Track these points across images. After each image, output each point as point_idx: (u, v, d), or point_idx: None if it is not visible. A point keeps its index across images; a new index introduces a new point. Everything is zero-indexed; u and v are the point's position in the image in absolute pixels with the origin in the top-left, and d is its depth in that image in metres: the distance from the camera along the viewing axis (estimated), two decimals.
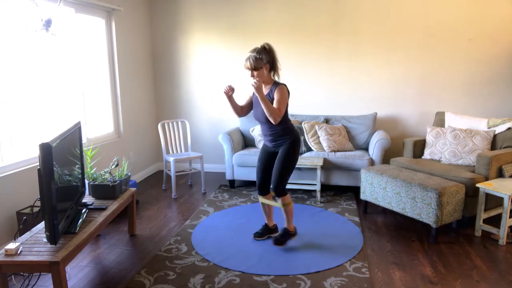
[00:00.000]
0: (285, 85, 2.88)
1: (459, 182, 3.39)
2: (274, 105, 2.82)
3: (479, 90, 4.65)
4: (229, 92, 2.91)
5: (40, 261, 2.14)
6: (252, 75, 2.83)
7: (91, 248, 3.17)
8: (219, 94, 5.31)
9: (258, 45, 2.88)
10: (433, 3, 4.56)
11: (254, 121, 5.00)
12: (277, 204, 3.08)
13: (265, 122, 2.93)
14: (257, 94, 2.74)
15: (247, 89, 5.21)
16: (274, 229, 3.34)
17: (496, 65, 4.55)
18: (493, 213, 3.44)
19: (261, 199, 3.20)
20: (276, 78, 2.97)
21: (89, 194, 3.16)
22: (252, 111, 3.09)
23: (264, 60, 2.82)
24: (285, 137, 2.93)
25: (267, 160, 3.10)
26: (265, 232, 3.30)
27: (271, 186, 3.04)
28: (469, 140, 3.87)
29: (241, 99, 5.02)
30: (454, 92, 4.71)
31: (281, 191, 3.01)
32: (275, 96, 2.84)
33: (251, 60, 2.79)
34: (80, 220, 2.64)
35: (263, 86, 2.93)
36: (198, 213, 3.90)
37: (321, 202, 4.19)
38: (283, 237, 3.14)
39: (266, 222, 3.33)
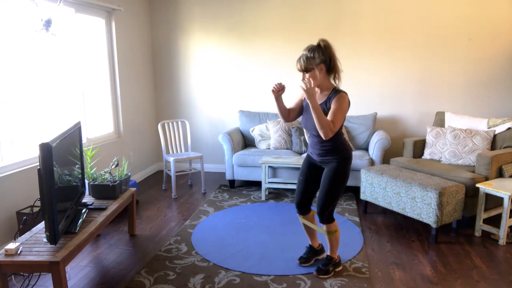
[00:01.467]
0: (346, 93, 2.42)
1: (459, 182, 3.39)
2: (329, 116, 2.37)
3: (479, 90, 4.65)
4: (279, 91, 2.44)
5: (40, 261, 2.14)
6: (303, 78, 2.43)
7: (91, 248, 3.17)
8: (219, 94, 5.31)
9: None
10: (433, 3, 4.56)
11: (254, 121, 4.99)
12: (321, 230, 2.69)
13: (317, 134, 2.48)
14: (308, 101, 2.30)
15: (246, 92, 5.21)
16: (321, 249, 2.92)
17: (496, 65, 4.55)
18: (493, 213, 3.44)
19: (301, 220, 2.78)
20: (337, 83, 2.49)
21: (89, 194, 3.16)
22: (301, 116, 2.63)
23: (317, 60, 2.36)
24: (336, 155, 2.49)
25: (310, 174, 2.66)
26: (311, 255, 2.87)
27: (316, 211, 2.63)
28: (469, 140, 3.87)
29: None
30: (454, 92, 4.71)
31: (327, 217, 2.58)
32: (332, 105, 2.37)
33: (301, 60, 2.39)
34: (80, 220, 2.64)
35: (318, 92, 2.50)
36: (198, 213, 3.90)
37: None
38: (328, 267, 2.70)
39: (310, 243, 2.89)
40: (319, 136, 2.46)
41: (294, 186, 4.26)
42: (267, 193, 4.42)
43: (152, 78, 5.43)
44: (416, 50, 4.70)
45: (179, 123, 4.86)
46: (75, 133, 2.82)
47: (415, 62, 4.73)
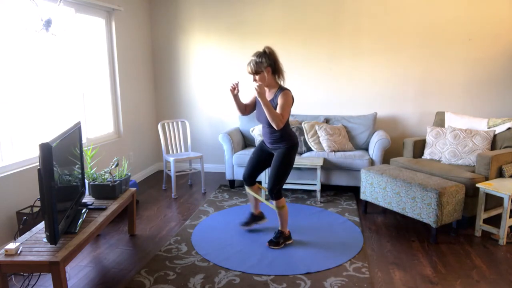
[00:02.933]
0: (289, 90, 2.91)
1: (459, 182, 3.39)
2: (278, 110, 2.83)
3: (479, 90, 4.65)
4: (235, 91, 2.94)
5: (40, 261, 2.14)
6: (254, 79, 2.88)
7: (91, 248, 3.17)
8: (219, 94, 5.31)
9: (259, 49, 2.92)
10: (433, 3, 4.56)
11: (254, 121, 5.00)
12: (272, 206, 3.12)
13: (267, 126, 2.98)
14: (259, 99, 2.75)
15: (248, 89, 5.21)
16: (261, 216, 3.44)
17: (496, 65, 4.55)
18: (493, 213, 3.44)
19: (247, 189, 3.32)
20: (282, 82, 2.97)
21: (89, 194, 3.16)
22: (255, 111, 3.13)
23: (265, 64, 2.84)
24: (283, 142, 2.98)
25: (261, 155, 3.20)
26: (251, 220, 3.41)
27: (267, 189, 3.06)
28: (469, 140, 3.87)
29: (246, 98, 5.03)
30: (454, 92, 4.71)
31: (276, 194, 3.02)
32: (279, 101, 2.84)
33: (252, 64, 2.85)
34: (80, 220, 2.64)
35: (267, 90, 2.98)
36: (198, 213, 3.90)
37: (321, 202, 4.19)
38: (278, 239, 3.13)
39: (252, 211, 3.42)
40: (270, 127, 2.95)
41: (294, 186, 4.26)
42: (267, 193, 4.41)
43: (152, 78, 5.43)
44: (416, 50, 4.70)
45: (179, 123, 4.86)
46: (75, 133, 2.82)
47: (415, 62, 4.73)
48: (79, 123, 2.96)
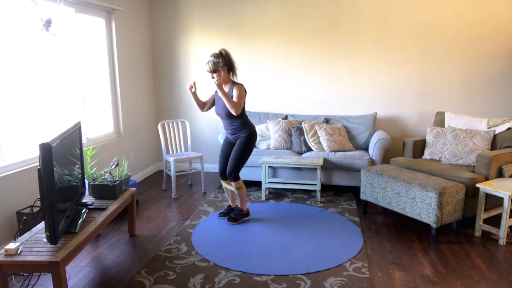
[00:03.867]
0: (242, 84, 3.36)
1: (459, 182, 3.39)
2: (234, 99, 3.28)
3: (479, 90, 4.65)
4: (193, 89, 3.34)
5: (40, 261, 2.14)
6: (213, 77, 3.29)
7: (91, 248, 3.17)
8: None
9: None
10: (433, 3, 4.56)
11: (254, 120, 5.00)
12: (232, 187, 3.55)
13: (226, 117, 3.38)
14: (218, 90, 3.19)
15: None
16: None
17: (496, 65, 4.55)
18: (493, 213, 3.44)
19: (223, 184, 3.67)
20: (235, 79, 3.43)
21: (89, 194, 3.16)
22: (214, 107, 3.53)
23: (221, 64, 3.27)
24: (243, 130, 3.40)
25: (228, 150, 3.57)
26: (229, 212, 3.74)
27: (227, 172, 3.48)
28: (469, 140, 3.87)
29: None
30: (454, 92, 4.71)
31: (234, 176, 3.45)
32: (234, 93, 3.31)
33: (210, 64, 3.27)
34: (80, 220, 2.64)
35: (224, 85, 3.40)
36: (198, 213, 3.90)
37: (321, 202, 4.19)
38: (237, 216, 3.60)
39: (230, 203, 3.79)
40: (228, 118, 3.37)
41: (294, 186, 4.26)
42: (267, 193, 4.42)
43: (152, 78, 5.43)
44: (416, 50, 4.70)
45: (179, 123, 4.86)
46: (75, 133, 2.82)
47: (415, 62, 4.74)
48: (79, 123, 2.96)
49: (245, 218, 3.68)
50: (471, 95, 4.67)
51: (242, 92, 3.33)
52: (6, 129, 3.10)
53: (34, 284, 2.63)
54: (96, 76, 4.30)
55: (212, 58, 3.29)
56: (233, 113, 3.25)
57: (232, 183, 3.51)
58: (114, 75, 4.58)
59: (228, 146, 3.58)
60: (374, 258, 2.98)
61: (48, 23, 3.25)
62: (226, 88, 3.40)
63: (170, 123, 4.79)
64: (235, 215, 3.62)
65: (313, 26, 4.89)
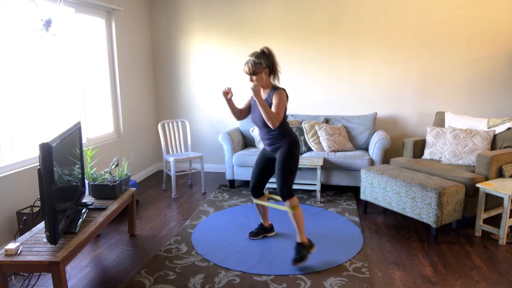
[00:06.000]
0: (284, 89, 2.85)
1: (459, 182, 3.39)
2: (272, 109, 2.76)
3: (479, 90, 4.65)
4: (228, 95, 2.89)
5: (40, 261, 2.14)
6: (251, 80, 2.79)
7: (91, 248, 3.17)
8: (219, 94, 5.31)
9: (258, 49, 2.85)
10: (433, 3, 4.56)
11: None
12: (284, 208, 2.94)
13: (263, 126, 2.89)
14: (255, 98, 2.68)
15: (247, 90, 5.21)
16: (270, 228, 3.35)
17: (496, 65, 4.55)
18: (493, 213, 3.44)
19: (255, 201, 3.20)
20: (276, 82, 2.94)
21: (89, 194, 3.16)
22: (250, 115, 3.05)
23: (263, 65, 2.77)
24: (283, 140, 2.87)
25: (263, 163, 3.08)
26: (261, 231, 3.31)
27: (277, 190, 2.92)
28: (469, 140, 3.87)
29: (241, 102, 5.04)
30: (454, 92, 4.71)
31: (286, 194, 2.86)
32: (274, 100, 2.78)
33: (249, 64, 2.76)
34: (80, 220, 2.64)
35: (262, 90, 2.90)
36: (198, 213, 3.90)
37: (321, 202, 4.19)
38: (300, 253, 2.85)
39: (262, 222, 3.34)
40: (266, 127, 2.87)
41: (294, 186, 4.25)
42: (267, 193, 4.41)
43: (152, 78, 5.43)
44: (416, 50, 4.70)
45: (179, 123, 4.86)
46: (75, 133, 2.82)
47: (415, 62, 4.73)
48: (79, 123, 2.96)
49: (312, 251, 2.91)
50: (471, 95, 4.67)
51: (284, 99, 2.78)
52: (6, 129, 3.10)
53: (34, 284, 2.63)
54: (96, 76, 4.30)
55: (252, 58, 2.78)
56: (270, 125, 2.72)
57: (285, 203, 2.87)
58: (114, 75, 4.58)
59: (263, 159, 3.07)
60: (374, 258, 2.98)
61: (48, 23, 3.25)
62: (264, 94, 2.89)
63: (170, 123, 4.79)
64: (299, 253, 2.85)
65: (313, 26, 4.89)
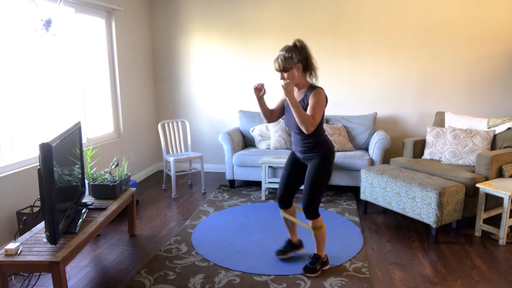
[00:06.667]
0: (322, 89, 2.50)
1: (459, 182, 3.39)
2: (308, 111, 2.45)
3: (479, 90, 4.65)
4: (261, 92, 2.56)
5: (40, 261, 2.14)
6: (282, 77, 2.50)
7: (91, 248, 3.17)
8: (219, 94, 5.31)
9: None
10: (433, 3, 4.56)
11: (254, 121, 5.00)
12: (306, 226, 2.70)
13: (298, 132, 2.55)
14: (286, 98, 2.40)
15: (246, 92, 5.21)
16: (299, 245, 2.99)
17: (496, 65, 4.55)
18: (493, 213, 3.44)
19: (282, 213, 2.84)
20: (314, 81, 2.58)
21: (89, 194, 3.16)
22: (283, 116, 2.72)
23: (295, 60, 2.46)
24: (317, 151, 2.55)
25: (294, 170, 2.74)
26: (289, 249, 2.95)
27: (298, 206, 2.67)
28: (469, 140, 3.87)
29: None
30: (454, 92, 4.71)
31: (312, 213, 2.59)
32: (310, 101, 2.45)
33: (279, 60, 2.47)
34: (80, 220, 2.64)
35: (296, 90, 2.60)
36: (198, 213, 3.90)
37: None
38: (314, 264, 2.71)
39: (289, 237, 2.97)
40: (301, 133, 2.55)
41: None
42: (267, 193, 4.42)
43: (152, 78, 5.43)
44: (416, 50, 4.70)
45: (179, 123, 4.86)
46: (75, 133, 2.82)
47: (415, 62, 4.73)
48: (79, 123, 2.96)
49: (326, 268, 2.77)
50: (471, 95, 4.67)
51: (321, 100, 2.45)
52: (6, 129, 3.10)
53: (34, 284, 2.63)
54: (96, 76, 4.30)
55: (282, 53, 2.47)
56: (304, 130, 2.42)
57: (309, 222, 2.64)
58: (114, 75, 4.58)
59: (293, 165, 2.74)
60: (374, 258, 2.97)
61: (48, 23, 3.25)
62: (299, 94, 2.56)
63: (170, 123, 4.79)
64: (313, 264, 2.71)
65: (313, 26, 4.89)
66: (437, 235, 3.26)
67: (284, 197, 2.78)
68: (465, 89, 4.68)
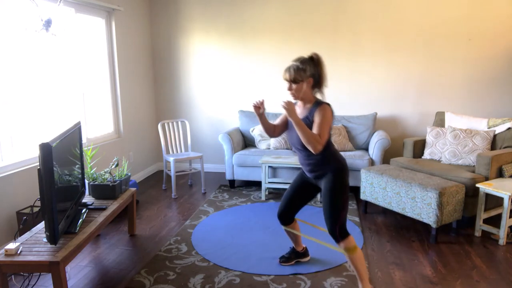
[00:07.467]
0: (329, 104, 2.36)
1: (459, 182, 3.39)
2: (314, 129, 2.29)
3: (479, 90, 4.65)
4: (260, 109, 2.42)
5: (40, 261, 2.14)
6: (290, 88, 2.37)
7: (91, 248, 3.17)
8: (219, 94, 5.31)
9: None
10: (433, 3, 4.56)
11: (254, 120, 5.00)
12: (338, 249, 2.45)
13: (302, 149, 2.41)
14: (290, 119, 2.25)
15: (246, 92, 5.21)
16: (304, 252, 2.90)
17: (496, 65, 4.55)
18: (493, 213, 3.44)
19: (285, 228, 2.76)
20: (319, 97, 2.45)
21: (89, 194, 3.16)
22: (286, 132, 2.58)
23: (308, 73, 2.33)
24: (328, 166, 2.37)
25: (300, 188, 2.61)
26: (293, 256, 2.88)
27: (327, 230, 2.40)
28: (469, 140, 3.87)
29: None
30: (454, 92, 4.71)
31: (339, 234, 2.35)
32: (316, 118, 2.30)
33: (291, 70, 2.33)
34: (80, 220, 2.64)
35: (302, 105, 2.45)
36: (198, 213, 3.90)
37: (321, 202, 4.19)
38: None
39: (293, 246, 2.89)
40: (305, 150, 2.39)
41: None
42: (267, 193, 4.42)
43: (152, 78, 5.43)
44: (416, 50, 4.70)
45: (179, 123, 4.86)
46: (75, 133, 2.82)
47: (415, 62, 4.73)
48: (79, 123, 2.96)
49: None
50: (471, 95, 4.67)
51: (329, 117, 2.29)
52: (6, 129, 3.10)
53: (34, 284, 2.63)
54: (96, 76, 4.31)
55: (296, 63, 2.34)
56: (311, 149, 2.25)
57: (340, 245, 2.37)
58: (114, 75, 4.58)
59: (299, 184, 2.61)
60: (374, 258, 2.98)
61: (48, 23, 3.25)
62: (304, 110, 2.41)
63: (170, 123, 4.79)
64: None
65: (313, 26, 4.89)
66: (437, 235, 3.26)
67: (284, 214, 2.68)
68: (465, 89, 4.68)
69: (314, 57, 2.36)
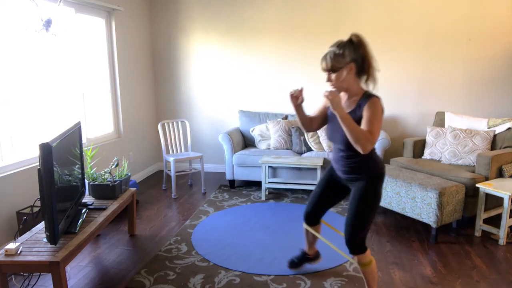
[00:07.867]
0: (379, 98, 2.05)
1: (459, 182, 3.39)
2: (363, 126, 1.97)
3: (479, 90, 4.65)
4: (298, 99, 2.11)
5: (40, 261, 2.14)
6: (329, 79, 2.07)
7: (91, 248, 3.17)
8: (219, 94, 5.31)
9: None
10: (433, 3, 4.56)
11: (254, 120, 4.99)
12: (350, 259, 2.26)
13: (345, 148, 2.10)
14: (334, 112, 1.93)
15: (246, 92, 5.21)
16: (316, 256, 2.76)
17: (496, 65, 4.55)
18: (493, 213, 3.44)
19: (305, 226, 2.55)
20: (370, 88, 2.14)
21: (89, 194, 3.16)
22: (326, 126, 2.27)
23: (347, 58, 2.01)
24: (364, 172, 2.11)
25: (329, 189, 2.37)
26: (303, 261, 2.73)
27: (345, 239, 2.18)
28: (469, 140, 3.87)
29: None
30: (454, 92, 4.71)
31: (358, 247, 2.14)
32: (365, 113, 1.98)
33: (328, 57, 2.02)
34: (80, 220, 2.64)
35: (345, 97, 2.14)
36: (198, 213, 3.90)
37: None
38: None
39: (305, 249, 2.70)
40: (347, 150, 2.10)
41: (294, 186, 4.25)
42: (267, 193, 4.42)
43: (152, 78, 5.43)
44: (416, 50, 4.70)
45: (179, 123, 4.86)
46: (75, 133, 2.82)
47: (415, 62, 4.73)
48: (79, 123, 2.96)
49: None
50: (471, 95, 4.67)
51: (379, 112, 1.98)
52: (6, 129, 3.10)
53: (34, 284, 2.63)
54: (96, 76, 4.30)
55: (333, 49, 2.03)
56: (359, 149, 1.93)
57: (354, 257, 2.19)
58: (114, 75, 4.58)
59: (328, 184, 2.37)
60: (374, 258, 2.97)
61: (48, 23, 3.25)
62: (350, 104, 2.11)
63: (170, 123, 4.79)
64: None
65: (314, 26, 4.89)
66: (437, 235, 3.26)
67: (311, 215, 2.45)
68: (465, 89, 4.68)
69: (353, 39, 2.05)
